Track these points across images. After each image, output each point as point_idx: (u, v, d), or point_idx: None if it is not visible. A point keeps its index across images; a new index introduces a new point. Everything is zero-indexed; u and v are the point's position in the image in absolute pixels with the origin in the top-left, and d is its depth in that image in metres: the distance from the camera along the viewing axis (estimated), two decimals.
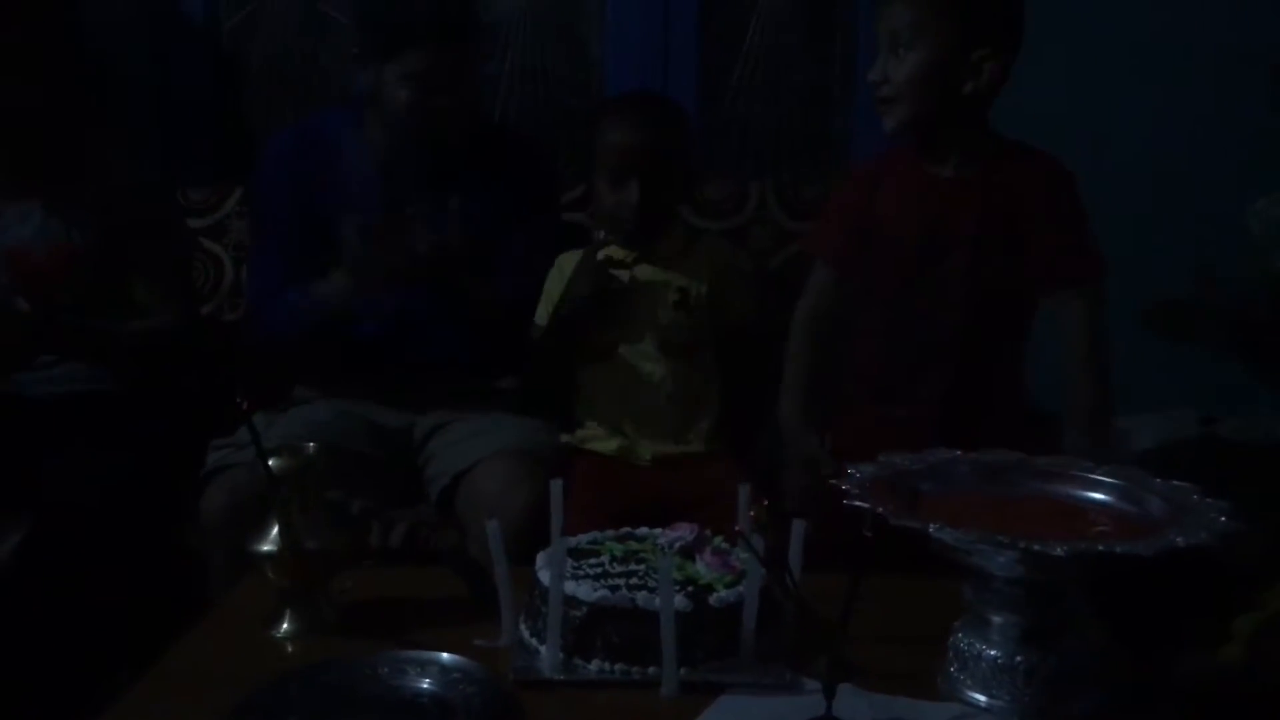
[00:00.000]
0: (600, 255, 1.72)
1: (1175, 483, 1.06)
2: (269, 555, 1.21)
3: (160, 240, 1.91)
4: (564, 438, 1.78)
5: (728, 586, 1.12)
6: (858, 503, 1.00)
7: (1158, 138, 2.20)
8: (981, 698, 1.02)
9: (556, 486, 1.21)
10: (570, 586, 1.11)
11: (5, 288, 1.71)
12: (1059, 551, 0.90)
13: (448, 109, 1.71)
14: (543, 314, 1.80)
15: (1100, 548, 0.92)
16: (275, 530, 1.21)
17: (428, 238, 1.63)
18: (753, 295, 1.86)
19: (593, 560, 1.19)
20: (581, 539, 1.26)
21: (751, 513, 1.05)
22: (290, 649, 1.21)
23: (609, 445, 1.75)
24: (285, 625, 1.22)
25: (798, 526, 1.15)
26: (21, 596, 1.57)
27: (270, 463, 1.21)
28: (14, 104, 1.72)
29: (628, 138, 1.70)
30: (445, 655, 1.09)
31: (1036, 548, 0.91)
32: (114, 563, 1.61)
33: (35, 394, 1.78)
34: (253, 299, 1.97)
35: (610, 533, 1.27)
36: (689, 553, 1.19)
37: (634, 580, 1.13)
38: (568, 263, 1.79)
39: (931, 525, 0.95)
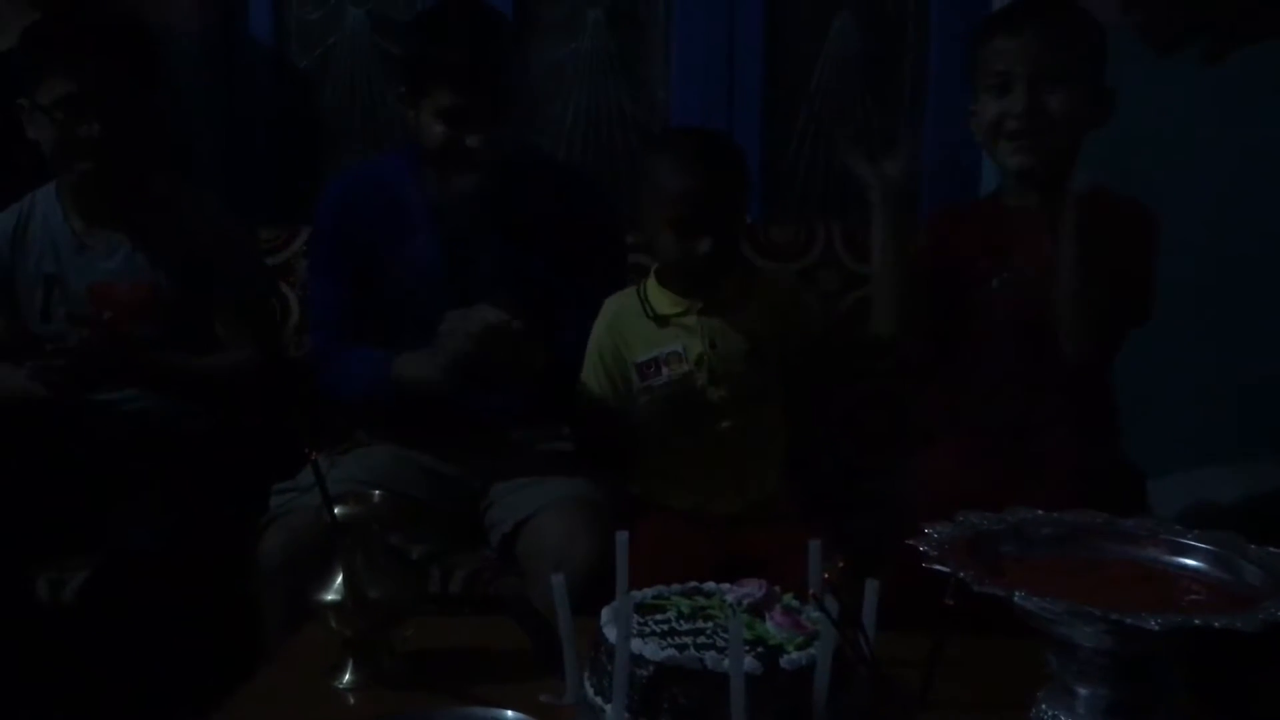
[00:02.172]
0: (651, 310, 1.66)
1: (1272, 549, 1.01)
2: (333, 604, 1.20)
3: (241, 278, 1.92)
4: (633, 489, 1.73)
5: (799, 648, 1.08)
6: (937, 566, 0.96)
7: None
8: None
9: (622, 539, 1.18)
10: (637, 645, 1.08)
11: (80, 320, 1.73)
12: (1154, 626, 0.86)
13: (482, 147, 1.65)
14: (591, 369, 1.70)
15: (1197, 622, 0.88)
16: (339, 579, 1.20)
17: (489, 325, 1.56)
18: (816, 329, 1.79)
19: (658, 616, 1.16)
20: (647, 594, 1.22)
21: (825, 574, 1.01)
22: (352, 701, 1.20)
23: (681, 501, 1.67)
24: (348, 676, 1.21)
25: (871, 586, 1.11)
26: (85, 637, 1.58)
27: (335, 510, 1.20)
28: (89, 140, 1.74)
29: (697, 186, 1.56)
30: (510, 713, 1.07)
31: (1129, 621, 0.87)
32: (177, 606, 1.61)
33: (108, 435, 1.79)
34: (313, 353, 1.91)
35: (677, 587, 1.24)
36: (758, 610, 1.16)
37: (701, 639, 1.10)
38: (618, 308, 1.70)
39: (1016, 593, 0.91)
